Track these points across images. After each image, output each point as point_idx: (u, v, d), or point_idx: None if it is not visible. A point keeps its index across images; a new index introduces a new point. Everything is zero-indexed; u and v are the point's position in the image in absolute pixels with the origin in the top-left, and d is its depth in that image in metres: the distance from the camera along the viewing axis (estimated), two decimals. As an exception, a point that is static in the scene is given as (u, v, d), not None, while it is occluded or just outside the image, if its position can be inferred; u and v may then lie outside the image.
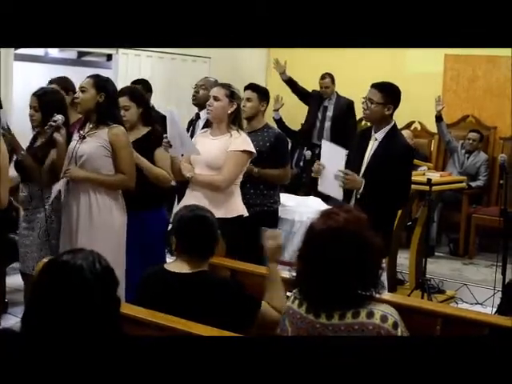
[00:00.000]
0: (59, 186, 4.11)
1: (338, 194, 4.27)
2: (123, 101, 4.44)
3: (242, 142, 4.29)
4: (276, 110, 7.78)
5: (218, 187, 4.23)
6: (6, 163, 3.52)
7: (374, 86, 4.36)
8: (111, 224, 4.10)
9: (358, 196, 4.21)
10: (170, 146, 4.15)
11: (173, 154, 4.24)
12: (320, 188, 4.49)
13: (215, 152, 4.24)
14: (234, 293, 3.00)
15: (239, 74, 8.05)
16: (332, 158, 4.31)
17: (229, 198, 4.29)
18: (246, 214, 4.38)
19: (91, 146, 4.05)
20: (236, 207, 4.31)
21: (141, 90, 4.67)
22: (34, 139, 4.41)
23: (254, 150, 4.34)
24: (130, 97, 4.47)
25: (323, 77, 7.76)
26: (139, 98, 4.53)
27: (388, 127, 4.34)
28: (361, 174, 4.31)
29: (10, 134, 4.09)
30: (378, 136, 4.35)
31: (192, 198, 4.25)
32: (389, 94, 4.33)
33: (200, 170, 4.28)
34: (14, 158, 4.29)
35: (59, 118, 4.12)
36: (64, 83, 5.07)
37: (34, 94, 4.31)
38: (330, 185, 4.29)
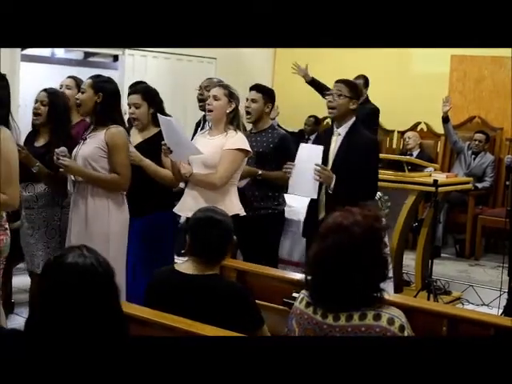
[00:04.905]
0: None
1: (312, 192, 4.33)
2: (135, 98, 4.46)
3: (236, 140, 4.31)
4: (272, 119, 7.66)
5: (214, 185, 4.25)
6: (14, 162, 3.49)
7: (340, 81, 4.48)
8: (108, 227, 4.07)
9: (330, 191, 4.27)
10: (171, 151, 4.16)
11: (174, 159, 4.25)
12: (290, 190, 4.52)
13: (211, 151, 4.26)
14: (238, 304, 2.96)
15: (245, 74, 8.05)
16: (308, 158, 4.33)
17: (225, 196, 4.30)
18: (242, 213, 4.38)
19: (89, 148, 4.05)
20: (232, 206, 4.30)
21: (155, 90, 4.65)
22: (33, 137, 4.41)
23: (249, 149, 4.36)
24: (143, 95, 4.47)
25: (356, 77, 7.64)
26: (152, 98, 4.52)
27: (350, 122, 4.43)
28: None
29: (24, 149, 4.09)
30: (341, 131, 4.44)
31: (189, 196, 4.31)
32: (354, 89, 4.46)
33: (197, 169, 4.29)
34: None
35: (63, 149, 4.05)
36: (80, 82, 5.06)
37: (46, 91, 4.34)
38: (304, 185, 4.33)
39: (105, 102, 4.07)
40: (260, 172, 4.77)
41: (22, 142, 4.20)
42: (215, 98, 4.35)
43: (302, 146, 4.51)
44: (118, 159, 4.06)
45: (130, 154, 4.18)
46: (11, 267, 5.13)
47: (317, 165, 4.24)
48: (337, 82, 4.50)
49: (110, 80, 4.23)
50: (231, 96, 4.36)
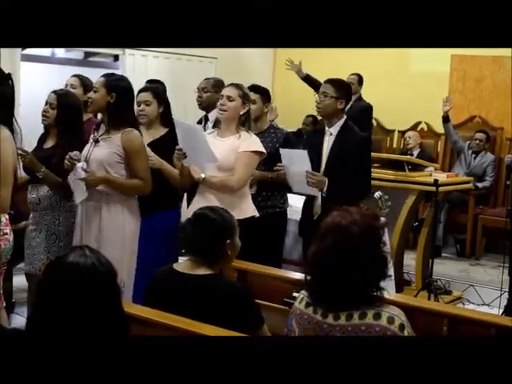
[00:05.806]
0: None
1: (314, 190, 4.34)
2: (145, 96, 4.44)
3: (252, 142, 4.26)
4: (271, 121, 7.63)
5: (232, 188, 4.20)
6: (10, 164, 3.44)
7: (327, 81, 4.52)
8: (122, 230, 4.01)
9: (324, 194, 4.28)
10: (185, 156, 4.11)
11: (188, 164, 4.18)
12: (295, 189, 4.58)
13: (223, 153, 4.18)
14: (237, 304, 2.94)
15: (245, 74, 8.05)
16: (295, 161, 4.36)
17: (241, 199, 4.26)
18: (256, 214, 4.34)
19: (104, 152, 3.94)
20: (248, 208, 4.28)
21: (164, 90, 4.66)
22: (43, 139, 4.38)
23: (264, 150, 4.32)
24: (153, 93, 4.46)
25: (352, 74, 7.64)
26: (161, 97, 4.51)
27: (341, 121, 4.46)
28: (322, 170, 4.39)
29: (28, 154, 4.06)
30: (332, 130, 4.46)
31: (203, 200, 4.18)
32: (341, 89, 4.48)
33: (210, 171, 4.23)
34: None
35: (77, 153, 4.00)
36: (85, 80, 5.06)
37: (55, 92, 4.25)
38: (303, 184, 4.34)
39: (118, 102, 3.94)
40: (270, 175, 4.77)
41: (24, 144, 4.16)
42: (229, 98, 4.25)
43: (282, 150, 4.49)
44: (139, 164, 3.96)
45: (149, 158, 4.12)
46: (11, 267, 5.13)
47: (307, 171, 4.25)
48: (324, 82, 4.54)
49: (123, 78, 4.14)
50: (245, 97, 4.29)
